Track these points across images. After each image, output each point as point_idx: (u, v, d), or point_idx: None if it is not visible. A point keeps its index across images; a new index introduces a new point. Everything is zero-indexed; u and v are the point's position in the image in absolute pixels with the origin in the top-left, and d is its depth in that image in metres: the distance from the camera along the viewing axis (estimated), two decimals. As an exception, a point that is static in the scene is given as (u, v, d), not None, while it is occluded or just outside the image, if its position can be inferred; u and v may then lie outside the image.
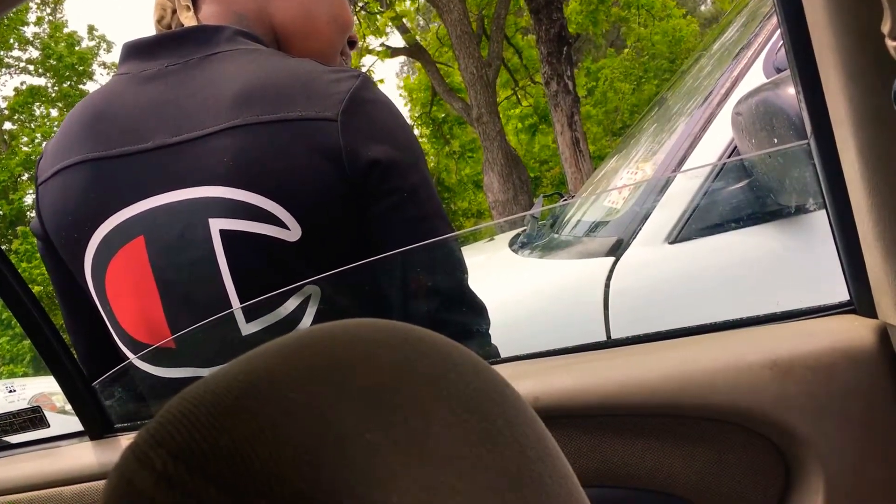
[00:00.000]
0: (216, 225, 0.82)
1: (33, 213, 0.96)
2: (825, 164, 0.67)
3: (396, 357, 0.37)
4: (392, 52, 12.67)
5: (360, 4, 10.97)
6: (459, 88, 13.06)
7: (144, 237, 0.85)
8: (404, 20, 11.69)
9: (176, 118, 0.85)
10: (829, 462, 0.71)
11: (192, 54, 0.90)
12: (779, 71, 1.54)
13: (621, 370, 0.78)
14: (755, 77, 1.58)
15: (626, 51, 21.43)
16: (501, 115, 11.84)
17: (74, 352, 1.03)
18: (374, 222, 0.86)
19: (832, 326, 0.73)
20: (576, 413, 0.79)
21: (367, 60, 12.40)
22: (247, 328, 0.87)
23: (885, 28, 0.53)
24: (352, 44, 1.11)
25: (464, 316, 0.92)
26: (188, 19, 0.97)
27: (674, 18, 19.23)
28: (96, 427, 1.05)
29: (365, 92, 0.87)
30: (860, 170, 0.62)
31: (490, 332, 0.96)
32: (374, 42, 12.19)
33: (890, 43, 0.54)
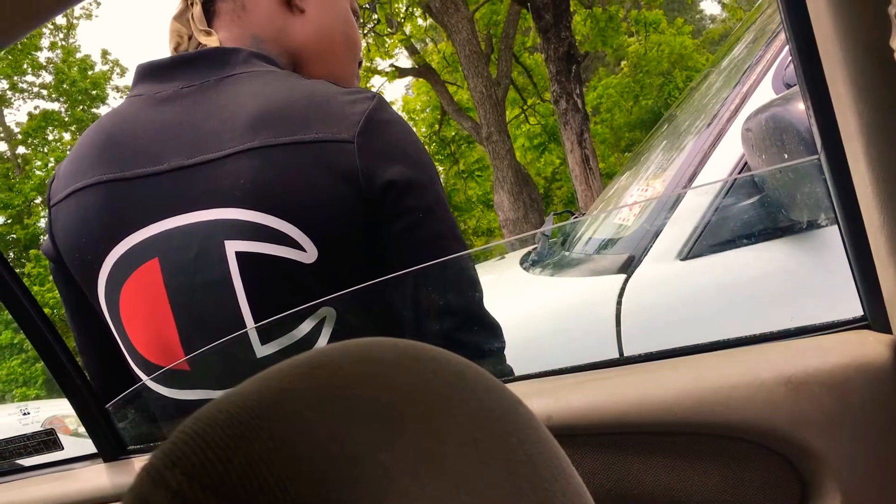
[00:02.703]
0: (232, 247, 0.82)
1: (44, 238, 0.97)
2: (836, 179, 0.67)
3: (409, 376, 0.37)
4: (401, 72, 12.76)
5: (370, 26, 11.06)
6: (468, 108, 13.11)
7: (159, 259, 0.85)
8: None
9: (191, 140, 0.86)
10: (846, 478, 0.70)
11: (208, 76, 0.91)
12: (788, 87, 1.54)
13: (635, 388, 0.78)
14: (764, 93, 1.58)
15: (623, 65, 21.58)
16: (510, 134, 11.88)
17: (86, 373, 1.04)
18: (389, 242, 0.86)
19: (846, 342, 0.73)
20: (590, 431, 0.79)
21: (376, 81, 12.49)
22: (262, 350, 0.86)
23: (894, 43, 0.53)
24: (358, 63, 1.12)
25: (479, 336, 0.91)
26: (210, 42, 0.97)
27: (681, 35, 19.31)
28: (110, 449, 1.05)
29: (381, 113, 0.87)
30: (871, 185, 0.62)
31: (505, 351, 0.95)
32: (382, 63, 12.29)
33: (899, 57, 0.54)
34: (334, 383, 0.34)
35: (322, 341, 0.87)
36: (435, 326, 0.91)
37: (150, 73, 0.95)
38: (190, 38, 1.02)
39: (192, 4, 0.99)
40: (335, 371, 0.35)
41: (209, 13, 1.00)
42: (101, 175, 0.88)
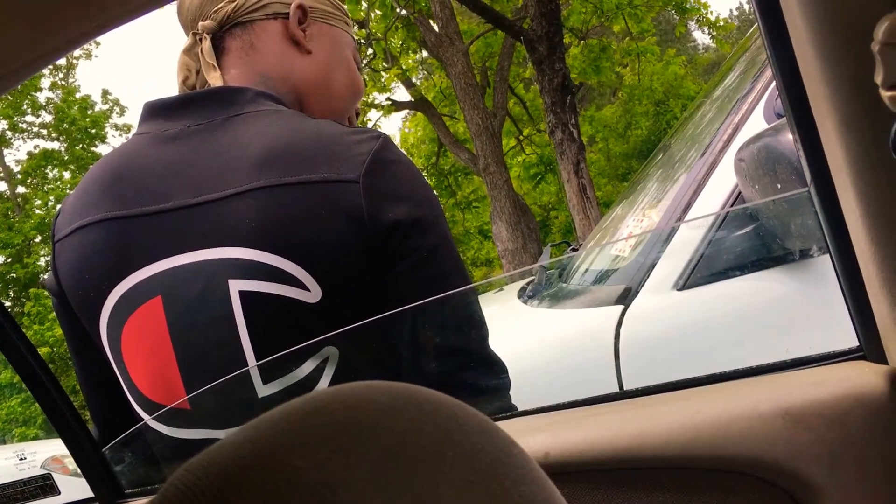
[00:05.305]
0: (236, 286, 0.83)
1: (46, 275, 0.97)
2: (826, 211, 0.68)
3: (402, 420, 0.37)
4: (397, 106, 12.86)
5: (366, 62, 11.17)
6: (465, 139, 13.19)
7: (162, 297, 0.86)
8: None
9: (197, 179, 0.86)
10: None
11: (215, 115, 0.91)
12: (779, 116, 1.55)
13: (632, 423, 0.78)
14: (756, 123, 1.59)
15: (618, 94, 21.90)
16: (507, 164, 11.95)
17: (88, 409, 1.03)
18: (394, 282, 0.86)
19: (843, 373, 0.73)
20: (587, 468, 0.78)
21: (373, 115, 12.59)
22: (263, 390, 0.86)
23: (878, 79, 0.54)
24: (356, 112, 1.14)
25: (484, 375, 0.91)
26: (215, 79, 0.98)
27: (673, 65, 19.53)
28: (107, 493, 1.04)
29: (386, 153, 0.88)
30: (861, 217, 0.62)
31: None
32: (379, 97, 12.39)
33: (884, 93, 0.54)
34: (326, 430, 0.34)
35: (324, 381, 0.87)
36: (439, 366, 0.90)
37: (158, 111, 0.96)
38: (198, 72, 1.03)
39: (200, 40, 1.01)
40: (327, 417, 0.35)
41: (218, 49, 1.01)
42: (105, 212, 0.89)
